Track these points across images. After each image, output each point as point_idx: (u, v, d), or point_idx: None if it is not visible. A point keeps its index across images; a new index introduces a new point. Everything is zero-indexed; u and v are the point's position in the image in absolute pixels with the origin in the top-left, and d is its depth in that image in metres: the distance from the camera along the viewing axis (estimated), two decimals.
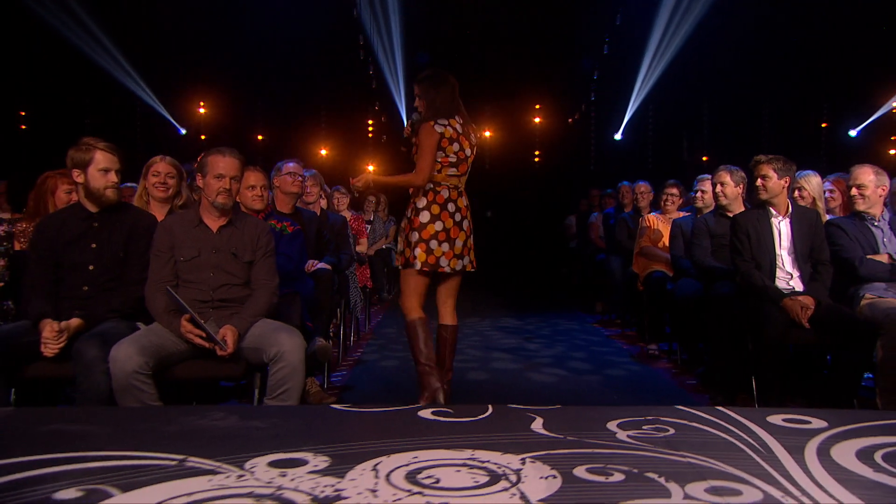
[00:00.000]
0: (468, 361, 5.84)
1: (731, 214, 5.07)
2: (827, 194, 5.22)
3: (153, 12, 9.28)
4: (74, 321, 3.51)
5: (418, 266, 4.17)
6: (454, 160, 4.23)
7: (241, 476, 1.97)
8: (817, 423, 2.30)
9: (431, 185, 4.22)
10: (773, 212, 4.42)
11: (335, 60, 9.92)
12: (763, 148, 11.07)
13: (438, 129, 4.16)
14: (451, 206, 4.21)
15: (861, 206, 4.46)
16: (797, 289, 4.33)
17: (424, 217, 4.17)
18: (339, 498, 1.84)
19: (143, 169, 4.19)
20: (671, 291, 5.80)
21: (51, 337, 3.41)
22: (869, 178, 4.43)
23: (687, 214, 6.12)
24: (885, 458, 2.05)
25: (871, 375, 4.33)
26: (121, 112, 11.15)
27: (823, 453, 1.98)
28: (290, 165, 5.09)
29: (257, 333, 3.54)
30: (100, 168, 3.70)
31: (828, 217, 4.93)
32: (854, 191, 4.47)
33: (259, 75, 10.51)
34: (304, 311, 4.42)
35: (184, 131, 11.51)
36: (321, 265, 5.09)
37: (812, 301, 4.17)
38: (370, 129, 11.84)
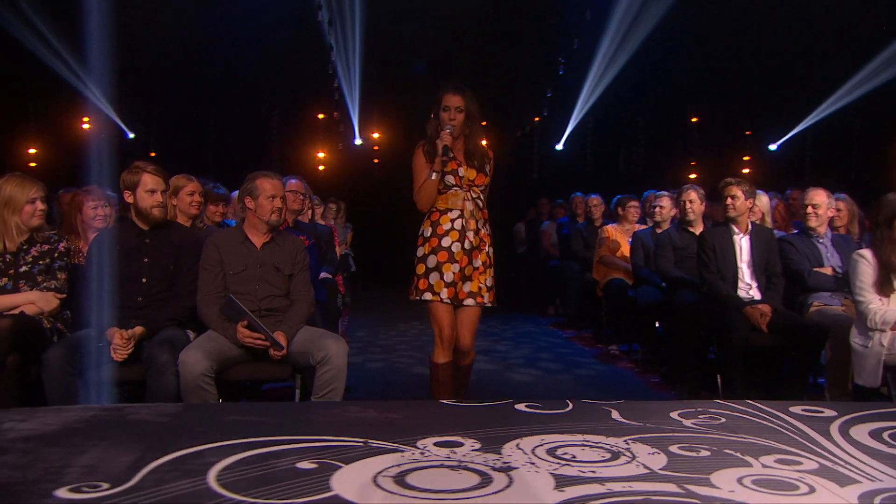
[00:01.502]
0: None
1: (692, 230, 5.81)
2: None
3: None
4: (139, 329, 3.93)
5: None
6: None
7: (422, 452, 2.32)
8: (829, 412, 2.83)
9: None
10: (735, 229, 5.13)
11: (299, 68, 10.16)
12: (693, 161, 12.04)
13: None
14: None
15: (813, 223, 5.18)
16: (755, 297, 5.04)
17: None
18: (510, 467, 2.19)
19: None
20: (632, 298, 6.47)
21: (121, 343, 3.84)
22: (822, 200, 5.18)
23: (645, 227, 6.82)
24: (891, 436, 2.56)
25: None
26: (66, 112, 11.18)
27: (845, 433, 2.50)
28: (293, 182, 5.52)
29: (304, 339, 4.03)
30: (147, 189, 4.12)
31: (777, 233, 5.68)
32: (809, 209, 5.20)
33: (216, 82, 10.65)
34: (323, 317, 4.91)
35: (132, 135, 11.58)
36: (324, 274, 5.58)
37: (769, 308, 4.89)
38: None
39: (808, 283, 5.08)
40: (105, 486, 1.93)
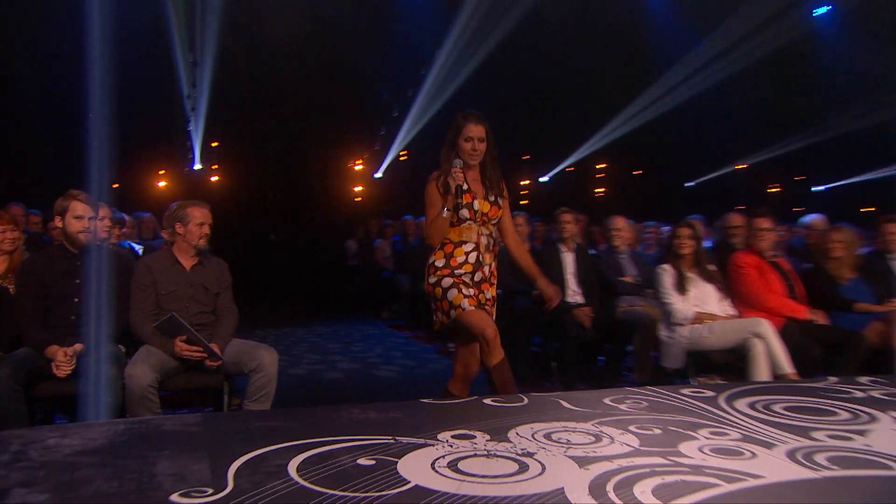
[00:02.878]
0: (317, 364, 6.39)
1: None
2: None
3: None
4: (79, 346, 3.70)
5: None
6: None
7: (450, 444, 2.29)
8: (708, 392, 3.03)
9: None
10: (563, 248, 5.65)
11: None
12: None
13: None
14: None
15: (616, 242, 5.84)
16: (580, 302, 5.58)
17: None
18: (527, 453, 2.20)
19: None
20: None
21: (64, 360, 3.62)
22: (623, 224, 5.86)
23: None
24: (763, 406, 2.80)
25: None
26: None
27: (733, 407, 2.74)
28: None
29: (236, 350, 3.97)
30: (76, 215, 3.91)
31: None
32: (613, 232, 5.84)
33: None
34: None
35: None
36: None
37: (590, 310, 5.44)
38: None
39: (616, 290, 5.69)
40: (209, 490, 1.88)
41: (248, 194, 10.74)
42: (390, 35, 9.88)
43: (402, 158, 11.65)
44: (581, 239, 6.24)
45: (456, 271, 3.54)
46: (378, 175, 11.74)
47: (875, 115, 10.57)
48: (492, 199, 3.62)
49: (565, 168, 12.28)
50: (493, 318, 3.64)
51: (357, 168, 11.79)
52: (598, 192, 13.18)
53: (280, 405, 3.81)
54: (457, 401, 2.97)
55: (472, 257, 3.58)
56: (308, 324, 8.84)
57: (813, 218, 6.63)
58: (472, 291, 3.51)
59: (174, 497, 1.85)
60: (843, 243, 5.23)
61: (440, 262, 3.59)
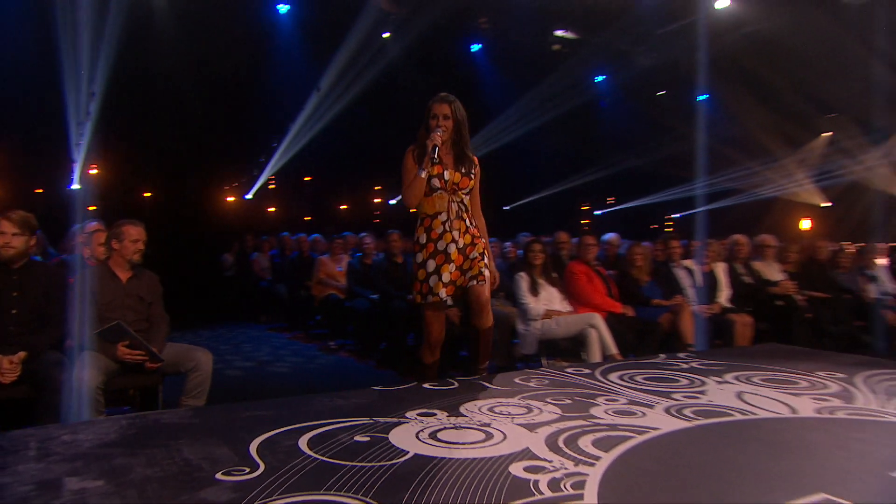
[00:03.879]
0: (219, 362, 6.09)
1: (396, 260, 6.40)
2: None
3: None
4: (22, 353, 3.36)
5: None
6: None
7: (420, 420, 2.34)
8: (585, 370, 3.34)
9: None
10: None
11: None
12: (337, 213, 12.64)
13: None
14: None
15: None
16: (449, 304, 5.79)
17: None
18: (484, 424, 2.30)
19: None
20: (349, 307, 6.85)
21: (9, 367, 3.28)
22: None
23: (353, 258, 7.24)
24: (629, 377, 3.09)
25: None
26: None
27: (608, 379, 3.22)
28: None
29: (173, 352, 3.79)
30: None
31: None
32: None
33: None
34: None
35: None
36: None
37: (458, 310, 5.67)
38: None
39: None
40: (246, 469, 1.84)
41: (126, 214, 9.95)
42: (271, 74, 9.65)
43: (270, 187, 11.37)
44: None
45: (438, 245, 3.34)
46: (248, 196, 11.31)
47: (643, 157, 11.90)
48: (462, 170, 3.41)
49: None
50: (487, 275, 3.45)
51: (231, 189, 11.30)
52: None
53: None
54: (404, 387, 3.02)
55: (447, 226, 3.37)
56: (193, 329, 8.35)
57: (610, 235, 7.33)
58: (449, 276, 3.35)
59: (219, 476, 1.81)
60: (642, 255, 5.88)
61: (423, 239, 3.40)
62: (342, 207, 12.50)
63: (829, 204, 14.14)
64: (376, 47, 9.98)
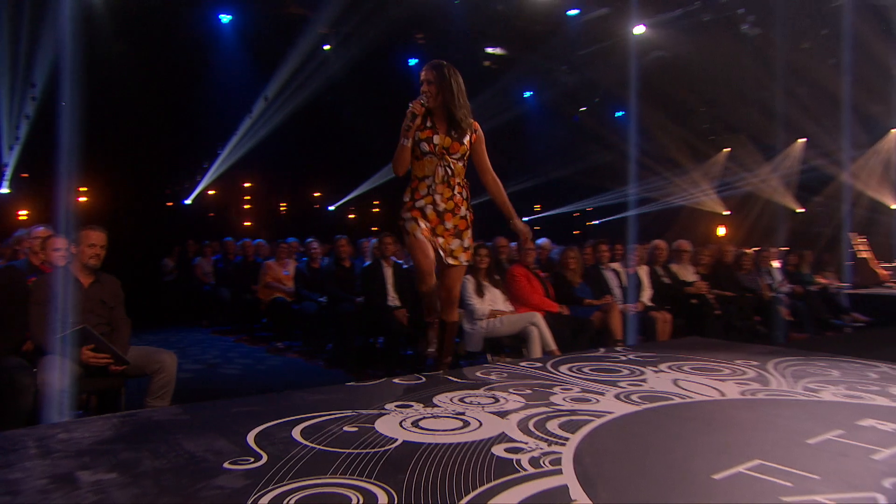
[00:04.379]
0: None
1: (344, 264, 6.44)
2: None
3: None
4: None
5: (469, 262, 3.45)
6: None
7: (399, 412, 2.42)
8: (536, 363, 3.51)
9: None
10: (385, 264, 5.94)
11: None
12: (279, 216, 12.46)
13: None
14: None
15: None
16: (398, 305, 5.89)
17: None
18: (459, 413, 2.42)
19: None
20: (296, 310, 6.82)
21: None
22: None
23: (301, 262, 7.21)
24: (576, 368, 3.27)
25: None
26: None
27: (560, 370, 3.42)
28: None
29: (137, 354, 3.74)
30: None
31: None
32: None
33: None
34: None
35: None
36: None
37: (406, 312, 5.78)
38: None
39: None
40: (251, 458, 1.90)
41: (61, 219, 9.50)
42: (214, 81, 9.44)
43: (210, 192, 11.10)
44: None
45: (417, 203, 3.27)
46: (188, 201, 11.00)
47: (566, 168, 12.36)
48: (454, 134, 3.24)
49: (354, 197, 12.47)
50: (462, 247, 3.33)
51: (171, 194, 10.95)
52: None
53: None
54: (376, 382, 3.09)
55: (431, 189, 3.26)
56: (137, 333, 8.04)
57: (542, 241, 7.63)
58: (425, 224, 3.25)
59: (227, 465, 1.86)
60: (574, 259, 6.17)
61: (406, 197, 3.32)
62: (282, 212, 12.33)
63: (728, 212, 15.10)
64: (318, 59, 9.96)
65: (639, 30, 10.20)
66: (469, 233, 3.36)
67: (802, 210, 14.16)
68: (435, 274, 3.30)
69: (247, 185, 11.79)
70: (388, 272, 5.94)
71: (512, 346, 5.26)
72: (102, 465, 1.83)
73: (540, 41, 11.12)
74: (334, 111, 10.70)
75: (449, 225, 3.28)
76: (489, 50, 11.89)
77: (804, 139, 13.55)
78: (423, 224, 3.24)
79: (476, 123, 3.34)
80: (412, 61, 11.42)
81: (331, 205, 12.57)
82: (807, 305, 7.82)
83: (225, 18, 9.44)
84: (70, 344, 3.48)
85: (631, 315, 6.12)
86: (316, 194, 12.56)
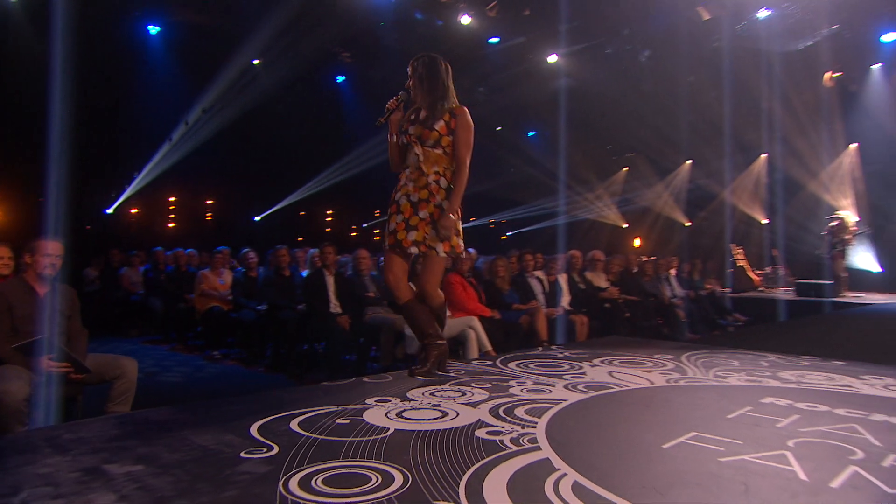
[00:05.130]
0: None
1: (284, 273, 6.44)
2: None
3: None
4: None
5: (462, 253, 3.33)
6: None
7: (381, 405, 2.53)
8: (487, 361, 3.76)
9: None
10: (326, 273, 6.01)
11: None
12: (204, 226, 12.09)
13: None
14: None
15: (362, 267, 6.37)
16: (339, 312, 5.98)
17: (457, 204, 3.24)
18: (435, 405, 2.57)
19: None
20: (234, 318, 6.73)
21: None
22: (365, 254, 6.39)
23: (236, 272, 7.12)
24: (522, 364, 3.52)
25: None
26: None
27: (509, 367, 3.69)
28: None
29: (98, 362, 3.67)
30: None
31: None
32: (360, 260, 6.35)
33: None
34: None
35: None
36: None
37: (348, 318, 5.88)
38: None
39: (364, 302, 6.22)
40: (263, 449, 2.00)
41: None
42: (141, 92, 9.10)
43: (133, 211, 10.67)
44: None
45: (395, 196, 3.26)
46: (109, 211, 10.50)
47: (484, 183, 12.76)
48: (427, 123, 3.20)
49: (280, 208, 12.29)
50: (432, 236, 3.20)
51: (93, 204, 10.41)
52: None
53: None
54: (347, 381, 3.20)
55: (406, 177, 3.24)
56: None
57: (469, 251, 7.94)
58: (394, 226, 3.22)
59: (243, 454, 1.96)
60: (504, 267, 6.51)
61: (392, 192, 3.28)
62: (207, 222, 11.98)
63: (626, 225, 16.13)
64: (248, 74, 9.85)
65: (552, 58, 10.80)
66: (444, 222, 3.18)
67: (689, 224, 15.36)
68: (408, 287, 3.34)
69: (171, 197, 11.40)
70: (330, 280, 6.02)
71: (451, 348, 5.48)
72: (125, 459, 1.88)
73: (462, 64, 11.52)
74: (262, 125, 10.59)
75: (424, 214, 3.17)
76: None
77: (691, 160, 14.75)
78: (391, 225, 3.22)
79: (461, 109, 3.21)
80: (339, 78, 11.50)
81: (256, 215, 12.36)
82: (698, 308, 8.57)
83: (153, 30, 9.15)
84: (30, 354, 3.38)
85: (553, 318, 6.52)
86: (242, 204, 12.31)
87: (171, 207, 11.36)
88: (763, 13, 10.18)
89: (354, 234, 14.35)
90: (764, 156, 14.16)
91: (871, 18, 10.68)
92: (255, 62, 10.03)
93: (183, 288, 7.56)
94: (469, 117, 3.18)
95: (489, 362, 3.76)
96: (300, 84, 10.51)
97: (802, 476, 1.90)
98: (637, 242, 15.79)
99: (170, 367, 6.28)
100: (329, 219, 14.27)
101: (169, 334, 7.79)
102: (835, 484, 1.86)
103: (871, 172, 12.99)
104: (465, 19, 9.73)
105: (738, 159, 13.59)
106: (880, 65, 12.21)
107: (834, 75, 12.35)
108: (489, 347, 5.36)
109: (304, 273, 7.04)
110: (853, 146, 13.41)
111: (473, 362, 3.74)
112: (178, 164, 9.98)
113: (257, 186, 11.63)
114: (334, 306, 5.96)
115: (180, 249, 7.97)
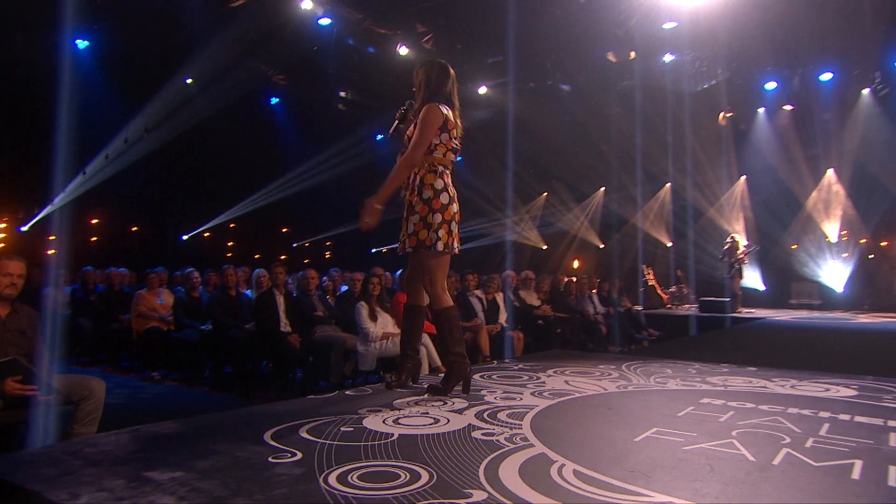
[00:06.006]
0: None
1: (233, 293, 6.41)
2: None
3: None
4: None
5: (441, 248, 3.16)
6: (454, 146, 3.25)
7: (375, 414, 2.69)
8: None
9: (442, 168, 3.20)
10: (276, 292, 6.04)
11: None
12: (127, 245, 11.58)
13: (444, 110, 3.16)
14: (452, 190, 3.24)
15: (311, 287, 6.44)
16: (289, 331, 6.01)
17: (445, 198, 3.17)
18: (426, 412, 2.74)
19: None
20: (176, 338, 6.58)
21: None
22: (314, 274, 6.47)
23: (178, 291, 6.97)
24: (496, 377, 3.96)
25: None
26: None
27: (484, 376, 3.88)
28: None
29: (65, 382, 3.59)
30: None
31: None
32: (309, 280, 6.42)
33: None
34: None
35: None
36: None
37: (298, 337, 5.93)
38: None
39: (313, 321, 6.28)
40: (288, 454, 2.11)
41: None
42: (68, 108, 8.71)
43: (50, 238, 10.12)
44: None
45: (451, 198, 3.23)
46: (24, 229, 9.90)
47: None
48: (409, 126, 3.28)
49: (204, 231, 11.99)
50: (407, 232, 3.23)
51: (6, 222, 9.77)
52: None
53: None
54: (331, 394, 3.33)
55: (450, 179, 3.26)
56: None
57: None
58: (455, 232, 3.26)
59: (271, 459, 2.09)
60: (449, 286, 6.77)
61: (439, 185, 3.22)
62: (131, 241, 11.51)
63: (546, 246, 16.89)
64: (181, 94, 9.68)
65: (482, 90, 11.32)
66: (413, 218, 3.18)
67: (603, 245, 16.33)
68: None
69: (94, 219, 10.89)
70: (280, 300, 6.06)
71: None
72: (165, 467, 1.96)
73: (393, 91, 11.80)
74: (195, 145, 10.40)
75: (414, 220, 3.21)
76: (342, 94, 12.35)
77: (604, 188, 15.75)
78: (455, 232, 3.26)
79: (426, 105, 3.15)
80: (273, 100, 11.49)
81: (183, 234, 12.00)
82: (617, 323, 9.19)
83: (82, 44, 8.84)
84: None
85: (492, 334, 6.85)
86: (170, 222, 11.94)
87: (94, 224, 10.84)
88: (668, 57, 11.19)
89: (258, 256, 13.78)
90: (668, 185, 15.38)
91: (757, 68, 11.99)
92: (188, 81, 9.87)
93: (116, 308, 7.28)
94: (428, 113, 3.10)
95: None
96: (234, 105, 10.41)
97: (751, 458, 2.28)
98: (576, 264, 16.55)
99: (108, 390, 6.04)
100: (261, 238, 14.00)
101: (97, 356, 7.45)
102: (776, 461, 2.24)
103: (757, 202, 14.43)
104: (403, 50, 10.06)
105: (646, 188, 14.66)
106: (763, 108, 13.71)
107: (727, 115, 13.70)
108: (439, 363, 5.58)
109: (248, 293, 7.01)
110: (743, 178, 14.87)
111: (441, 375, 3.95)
112: (104, 184, 9.59)
113: (188, 206, 11.35)
114: (284, 325, 5.99)
115: (113, 269, 7.67)
